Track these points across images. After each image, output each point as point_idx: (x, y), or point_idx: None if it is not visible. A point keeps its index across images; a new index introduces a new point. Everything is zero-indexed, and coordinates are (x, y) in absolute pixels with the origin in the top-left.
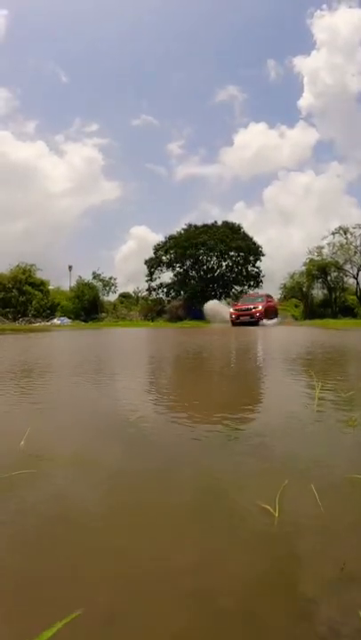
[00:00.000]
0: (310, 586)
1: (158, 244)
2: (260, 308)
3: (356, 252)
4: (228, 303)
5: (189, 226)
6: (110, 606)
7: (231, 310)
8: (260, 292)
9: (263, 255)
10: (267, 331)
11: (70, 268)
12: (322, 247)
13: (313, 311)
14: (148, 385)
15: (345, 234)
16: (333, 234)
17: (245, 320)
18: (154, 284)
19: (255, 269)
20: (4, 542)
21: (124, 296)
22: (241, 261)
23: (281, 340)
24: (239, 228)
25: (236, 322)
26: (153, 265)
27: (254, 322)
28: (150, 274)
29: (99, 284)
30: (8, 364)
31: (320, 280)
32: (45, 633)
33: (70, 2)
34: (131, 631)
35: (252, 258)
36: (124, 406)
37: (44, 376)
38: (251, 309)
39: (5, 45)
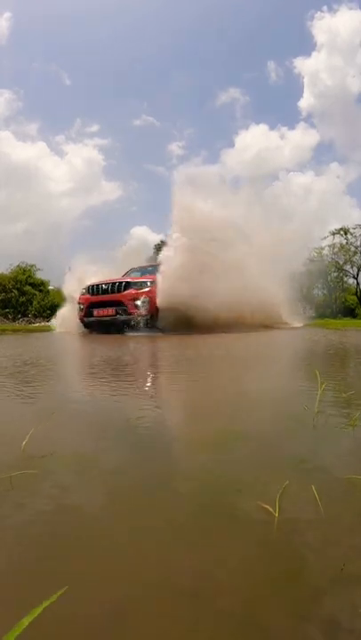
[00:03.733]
0: (309, 585)
1: (159, 244)
2: (146, 289)
3: (356, 253)
4: None
5: None
6: (111, 604)
7: (80, 296)
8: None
9: None
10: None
11: (70, 268)
12: (322, 248)
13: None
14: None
15: (345, 234)
16: (333, 234)
17: (107, 319)
18: None
19: None
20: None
21: None
22: None
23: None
24: None
25: (89, 322)
26: None
27: (124, 323)
28: None
29: None
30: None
31: (320, 280)
32: (34, 611)
33: (73, 3)
34: (132, 626)
35: None
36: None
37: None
38: (116, 292)
39: (9, 47)
